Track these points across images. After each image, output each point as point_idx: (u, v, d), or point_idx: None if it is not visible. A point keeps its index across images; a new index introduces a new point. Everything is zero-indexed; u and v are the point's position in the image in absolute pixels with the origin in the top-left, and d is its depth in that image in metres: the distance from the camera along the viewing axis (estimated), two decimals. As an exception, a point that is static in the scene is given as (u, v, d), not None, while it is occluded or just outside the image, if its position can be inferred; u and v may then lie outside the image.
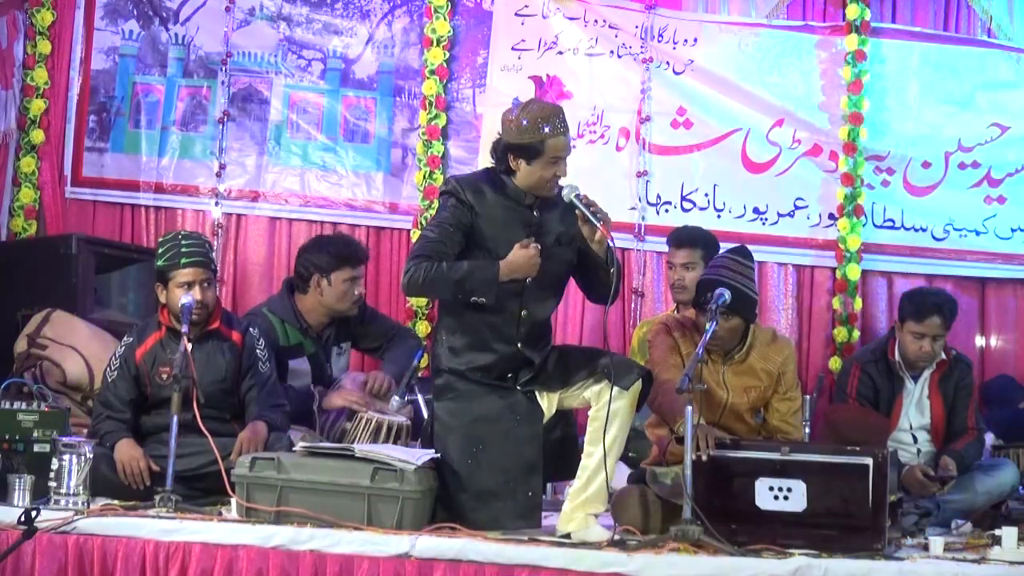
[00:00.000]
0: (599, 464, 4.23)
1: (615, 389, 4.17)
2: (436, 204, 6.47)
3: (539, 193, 4.33)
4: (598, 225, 4.18)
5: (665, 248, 6.09)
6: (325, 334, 5.48)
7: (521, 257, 4.22)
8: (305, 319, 5.41)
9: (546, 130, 4.22)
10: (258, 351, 4.95)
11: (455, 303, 4.35)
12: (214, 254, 4.96)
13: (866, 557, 3.80)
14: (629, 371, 4.28)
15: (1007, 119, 6.53)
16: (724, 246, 5.75)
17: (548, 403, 4.38)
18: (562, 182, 4.33)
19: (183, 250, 4.83)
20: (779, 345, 4.68)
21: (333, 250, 5.48)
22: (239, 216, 6.83)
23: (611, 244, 4.23)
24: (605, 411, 4.18)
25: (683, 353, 4.56)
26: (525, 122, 4.23)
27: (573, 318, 6.57)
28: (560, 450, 4.45)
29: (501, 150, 4.34)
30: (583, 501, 4.24)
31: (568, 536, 4.15)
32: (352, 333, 5.60)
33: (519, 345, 4.35)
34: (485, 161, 6.52)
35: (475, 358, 4.35)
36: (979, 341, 6.57)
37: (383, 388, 5.27)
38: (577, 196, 4.25)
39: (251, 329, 5.00)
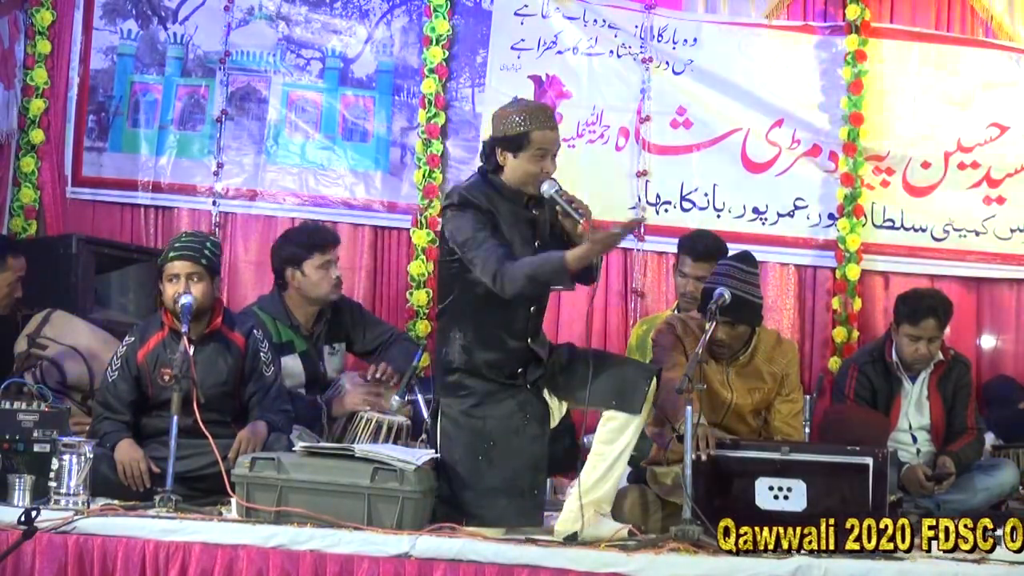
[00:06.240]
0: (610, 467, 4.22)
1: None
2: (432, 210, 6.52)
3: (525, 190, 4.31)
4: (579, 220, 4.15)
5: (664, 247, 6.09)
6: (316, 332, 5.47)
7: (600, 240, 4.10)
8: (294, 316, 5.40)
9: (532, 123, 4.23)
10: (262, 354, 4.91)
11: (492, 298, 4.28)
12: (215, 252, 4.90)
13: (866, 557, 3.80)
14: (638, 388, 4.21)
15: (1007, 119, 6.53)
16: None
17: (555, 404, 4.40)
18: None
19: (176, 244, 4.82)
20: (784, 348, 4.70)
21: (300, 240, 5.48)
22: (236, 215, 6.82)
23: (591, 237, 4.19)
24: (619, 419, 4.20)
25: (687, 352, 4.56)
26: (512, 116, 4.26)
27: (581, 318, 6.51)
28: (559, 445, 4.45)
29: (489, 146, 4.34)
30: (595, 499, 4.20)
31: (574, 536, 4.08)
32: (346, 334, 5.59)
33: (529, 341, 4.35)
34: (483, 162, 6.55)
35: (488, 356, 4.31)
36: (978, 341, 6.57)
37: (385, 373, 5.26)
38: (557, 192, 4.22)
39: (255, 331, 4.96)
